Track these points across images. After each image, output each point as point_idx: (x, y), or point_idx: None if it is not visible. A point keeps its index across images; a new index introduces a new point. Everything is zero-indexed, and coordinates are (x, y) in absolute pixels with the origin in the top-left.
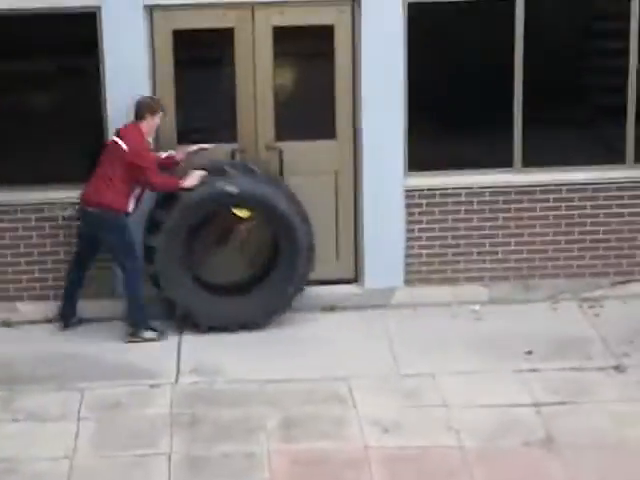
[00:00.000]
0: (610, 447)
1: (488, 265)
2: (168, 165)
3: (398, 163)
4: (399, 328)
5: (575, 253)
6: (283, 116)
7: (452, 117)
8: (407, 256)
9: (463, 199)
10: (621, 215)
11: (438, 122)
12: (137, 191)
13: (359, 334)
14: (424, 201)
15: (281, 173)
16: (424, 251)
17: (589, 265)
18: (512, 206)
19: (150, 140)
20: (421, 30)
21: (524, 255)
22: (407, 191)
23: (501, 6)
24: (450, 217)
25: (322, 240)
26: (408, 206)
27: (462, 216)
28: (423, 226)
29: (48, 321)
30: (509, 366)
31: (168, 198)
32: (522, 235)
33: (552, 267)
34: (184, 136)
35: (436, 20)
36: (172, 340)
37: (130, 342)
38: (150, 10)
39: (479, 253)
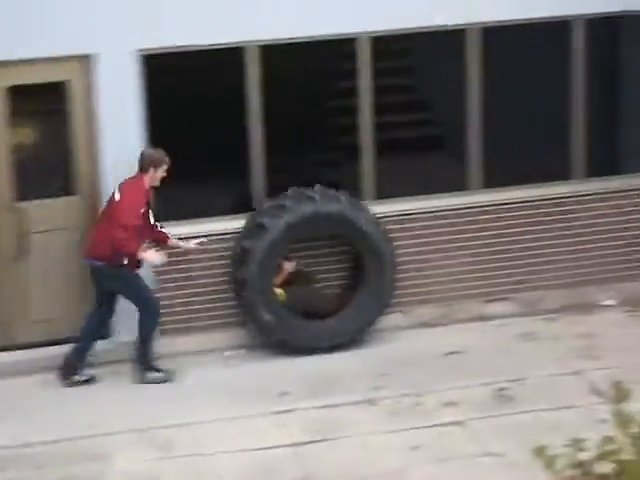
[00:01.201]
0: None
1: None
2: (160, 239)
3: None
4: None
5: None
6: (23, 176)
7: (193, 166)
8: None
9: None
10: None
11: (181, 171)
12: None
13: (113, 389)
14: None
15: (26, 233)
16: (176, 300)
17: None
18: None
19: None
20: (157, 80)
21: None
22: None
23: (233, 53)
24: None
25: (72, 295)
26: None
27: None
28: (174, 276)
29: None
30: (265, 409)
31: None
32: None
33: None
34: None
35: (170, 70)
36: None
37: (145, 383)
38: None
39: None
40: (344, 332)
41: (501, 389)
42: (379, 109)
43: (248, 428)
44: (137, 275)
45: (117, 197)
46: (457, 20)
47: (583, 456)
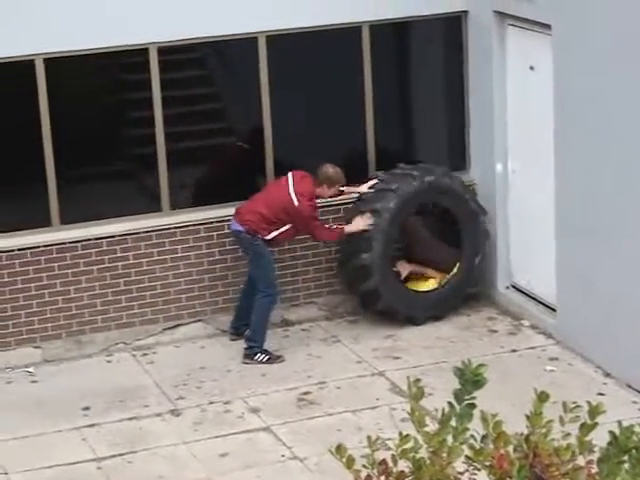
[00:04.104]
0: None
1: (38, 325)
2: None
3: None
4: None
5: (123, 304)
6: None
7: None
8: None
9: (5, 262)
10: (164, 262)
11: None
12: (286, 228)
13: None
14: None
15: None
16: None
17: (139, 314)
18: (55, 264)
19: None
20: None
21: (73, 311)
22: None
23: (21, 66)
24: None
25: None
26: None
27: (5, 280)
28: None
29: None
30: (68, 424)
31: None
32: (69, 292)
33: (102, 320)
34: None
35: None
36: None
37: (246, 363)
38: None
39: (27, 314)
40: (444, 302)
41: (305, 393)
42: (173, 119)
43: (51, 444)
44: (268, 250)
45: (295, 201)
46: (246, 29)
47: (383, 455)
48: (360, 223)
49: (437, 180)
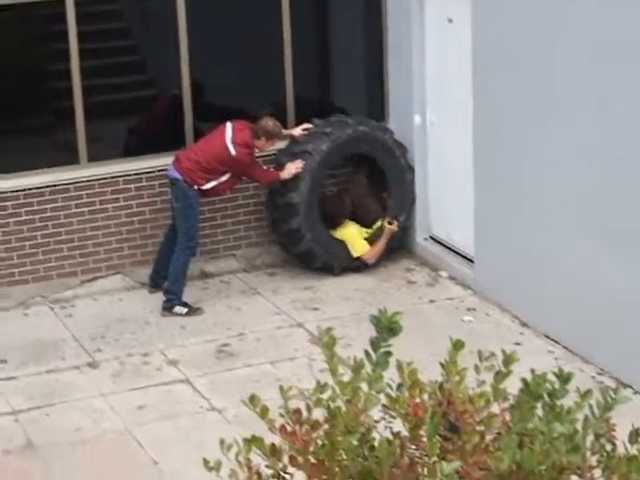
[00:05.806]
0: (90, 442)
1: None
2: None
3: None
4: None
5: (41, 257)
6: None
7: None
8: None
9: None
10: (82, 214)
11: None
12: (225, 179)
13: None
14: None
15: None
16: None
17: (56, 267)
18: None
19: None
20: None
21: None
22: None
23: None
24: None
25: None
26: None
27: None
28: None
29: None
30: None
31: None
32: None
33: (19, 273)
34: None
35: None
36: None
37: (164, 315)
38: None
39: None
40: None
41: (224, 345)
42: (90, 72)
43: None
44: (198, 203)
45: (232, 151)
46: None
47: (300, 405)
48: (292, 169)
49: (371, 131)
